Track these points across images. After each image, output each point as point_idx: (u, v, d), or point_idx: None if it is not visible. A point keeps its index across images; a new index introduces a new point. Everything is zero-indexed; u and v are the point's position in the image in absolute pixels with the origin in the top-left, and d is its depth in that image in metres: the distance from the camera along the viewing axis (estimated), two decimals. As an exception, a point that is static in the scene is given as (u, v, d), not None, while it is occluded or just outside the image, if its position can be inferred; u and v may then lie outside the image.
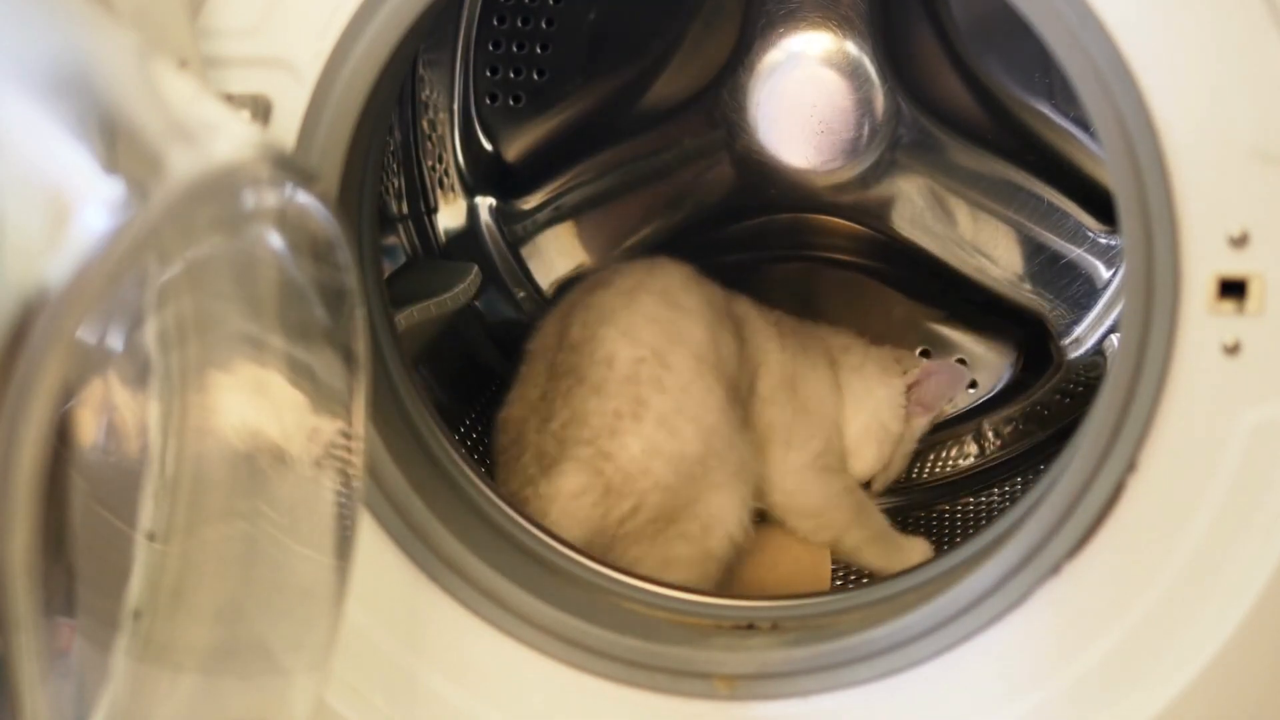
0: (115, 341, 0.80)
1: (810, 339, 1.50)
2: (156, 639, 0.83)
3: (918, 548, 1.40)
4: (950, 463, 1.62)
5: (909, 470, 1.63)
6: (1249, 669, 0.99)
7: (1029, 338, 1.66)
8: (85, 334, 0.77)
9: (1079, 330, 1.62)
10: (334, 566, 0.92)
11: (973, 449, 1.62)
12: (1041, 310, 1.64)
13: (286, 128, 1.03)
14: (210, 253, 0.80)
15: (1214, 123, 0.93)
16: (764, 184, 1.66)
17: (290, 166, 0.81)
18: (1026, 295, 1.64)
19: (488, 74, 1.68)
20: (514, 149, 1.72)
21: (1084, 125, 1.53)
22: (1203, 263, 0.94)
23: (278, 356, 0.86)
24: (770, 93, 1.63)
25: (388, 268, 1.56)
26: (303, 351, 0.87)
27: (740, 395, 1.36)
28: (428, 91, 1.63)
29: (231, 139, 0.74)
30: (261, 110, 1.02)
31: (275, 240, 0.82)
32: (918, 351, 1.68)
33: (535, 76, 1.69)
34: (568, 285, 1.71)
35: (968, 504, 1.54)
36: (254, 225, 0.81)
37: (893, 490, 1.60)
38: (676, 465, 1.27)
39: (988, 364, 1.67)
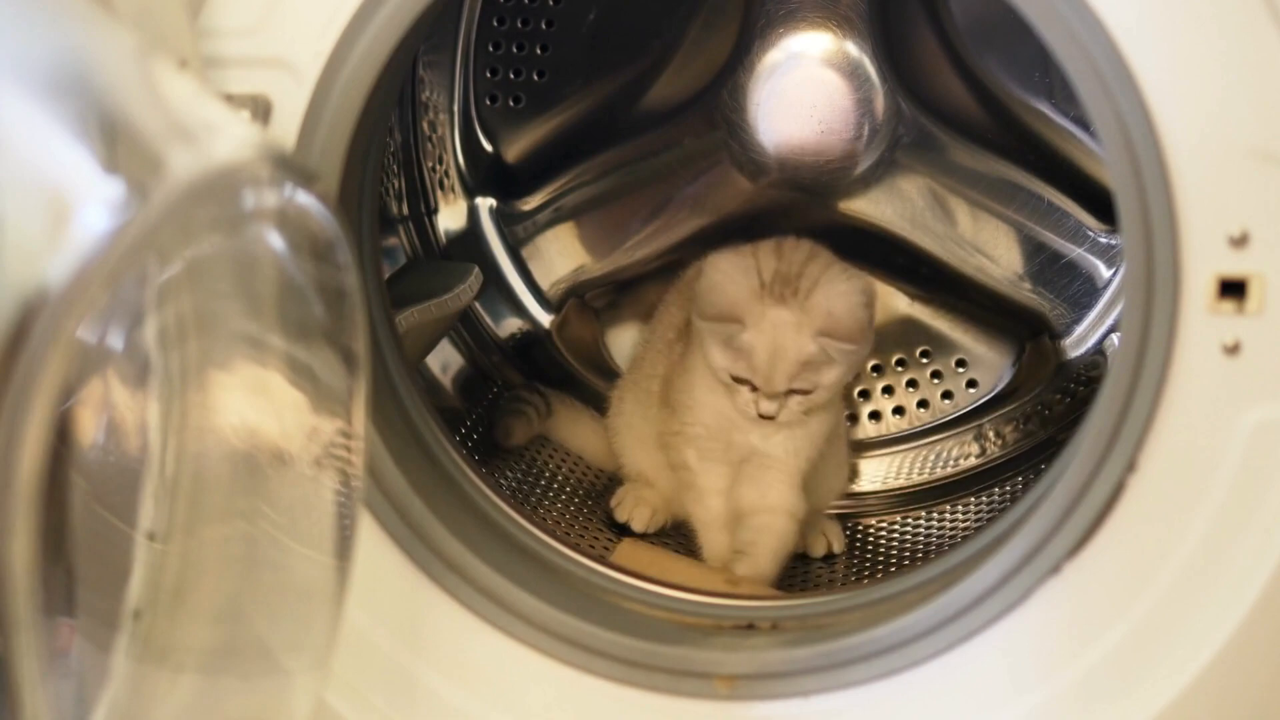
0: (115, 341, 0.80)
1: None
2: (156, 639, 0.83)
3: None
4: (950, 463, 1.62)
5: (909, 469, 1.63)
6: (1250, 668, 0.99)
7: (1029, 337, 1.66)
8: (85, 334, 0.77)
9: (1079, 330, 1.62)
10: (334, 566, 0.92)
11: (973, 449, 1.62)
12: (1042, 310, 1.64)
13: (286, 128, 1.03)
14: (210, 252, 0.80)
15: (1214, 123, 0.93)
16: (764, 184, 1.66)
17: (290, 166, 0.81)
18: (1027, 295, 1.64)
19: (488, 75, 1.68)
20: (514, 150, 1.72)
21: (1084, 125, 1.53)
22: (1203, 263, 0.94)
23: (278, 356, 0.86)
24: (770, 93, 1.63)
25: (388, 269, 1.56)
26: (303, 351, 0.87)
27: None
28: (428, 92, 1.64)
29: (231, 139, 0.74)
30: (261, 110, 1.02)
31: (275, 240, 0.82)
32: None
33: (535, 77, 1.69)
34: (570, 287, 1.73)
35: (968, 504, 1.54)
36: (254, 225, 0.81)
37: (893, 490, 1.61)
38: None
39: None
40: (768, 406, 1.30)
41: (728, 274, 1.33)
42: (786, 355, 1.28)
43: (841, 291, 1.31)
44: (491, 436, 1.55)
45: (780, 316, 1.29)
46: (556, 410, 1.60)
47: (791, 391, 1.30)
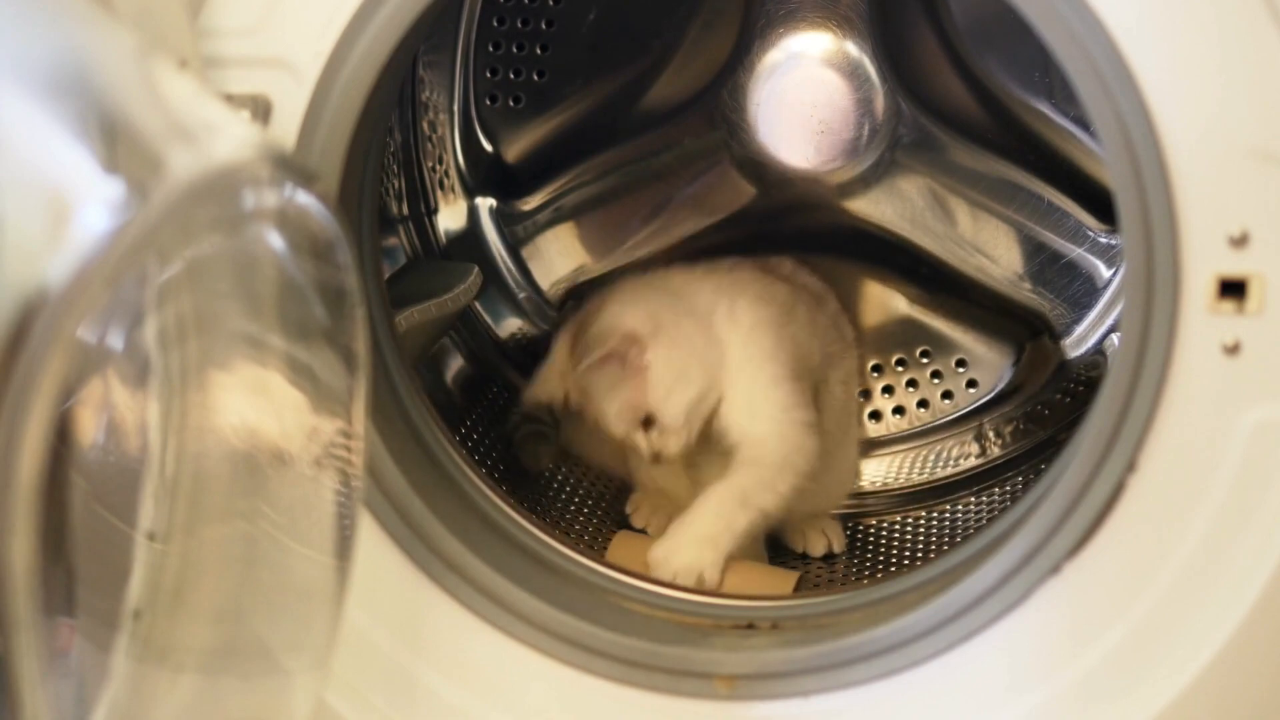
0: (115, 341, 0.80)
1: None
2: (156, 639, 0.83)
3: None
4: (950, 463, 1.62)
5: (909, 469, 1.63)
6: (1250, 668, 0.99)
7: (1029, 338, 1.66)
8: (85, 334, 0.77)
9: (1079, 330, 1.62)
10: (334, 566, 0.92)
11: (973, 449, 1.62)
12: (1042, 310, 1.64)
13: (286, 128, 1.03)
14: (210, 252, 0.80)
15: (1214, 123, 0.93)
16: (764, 184, 1.66)
17: (290, 166, 0.81)
18: (1027, 295, 1.64)
19: (488, 75, 1.68)
20: (514, 150, 1.72)
21: (1084, 125, 1.53)
22: (1203, 263, 0.94)
23: (278, 356, 0.87)
24: (770, 93, 1.63)
25: (388, 269, 1.56)
26: (303, 351, 0.87)
27: None
28: (428, 92, 1.63)
29: (231, 139, 0.75)
30: (261, 110, 1.02)
31: (275, 240, 0.82)
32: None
33: (535, 77, 1.69)
34: (570, 287, 1.73)
35: (968, 504, 1.54)
36: (254, 225, 0.81)
37: (893, 490, 1.61)
38: None
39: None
40: (640, 447, 1.36)
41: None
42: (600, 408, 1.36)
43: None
44: (520, 467, 1.55)
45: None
46: (561, 417, 1.60)
47: (648, 427, 1.35)
